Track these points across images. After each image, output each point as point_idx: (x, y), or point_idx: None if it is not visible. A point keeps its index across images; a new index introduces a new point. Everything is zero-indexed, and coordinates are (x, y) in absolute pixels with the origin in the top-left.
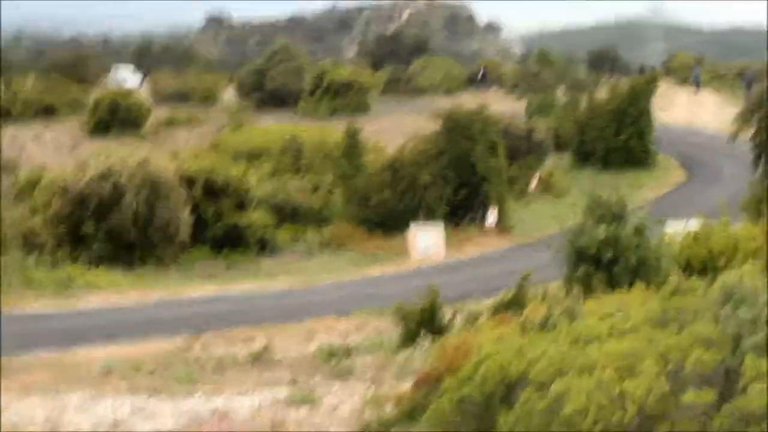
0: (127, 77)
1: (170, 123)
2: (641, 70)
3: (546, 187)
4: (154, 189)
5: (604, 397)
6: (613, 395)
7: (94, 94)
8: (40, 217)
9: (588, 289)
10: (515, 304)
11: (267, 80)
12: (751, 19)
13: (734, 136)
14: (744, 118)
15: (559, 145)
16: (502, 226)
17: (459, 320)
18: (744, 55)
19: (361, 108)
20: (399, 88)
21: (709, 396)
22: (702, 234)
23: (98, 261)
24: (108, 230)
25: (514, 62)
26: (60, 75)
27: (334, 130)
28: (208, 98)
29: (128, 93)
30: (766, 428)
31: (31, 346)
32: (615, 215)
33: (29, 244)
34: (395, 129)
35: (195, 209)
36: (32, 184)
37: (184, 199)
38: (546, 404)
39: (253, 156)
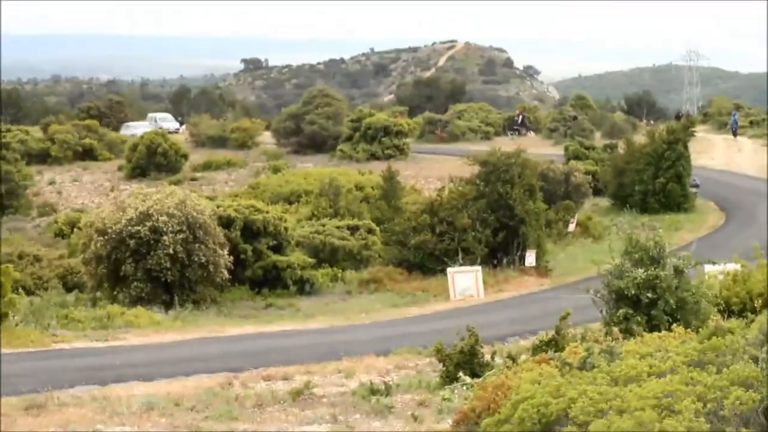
0: (164, 123)
1: (208, 167)
2: (677, 116)
3: (584, 230)
4: (192, 230)
5: None
6: None
7: (132, 138)
8: (79, 257)
9: (627, 331)
10: (554, 344)
11: (304, 124)
12: None
13: None
14: None
15: (597, 189)
16: (540, 268)
17: (498, 360)
18: None
19: (399, 152)
20: (436, 132)
21: None
22: (740, 276)
23: (137, 301)
24: (147, 270)
25: (552, 107)
26: (98, 118)
27: (371, 174)
28: (246, 142)
29: (166, 137)
30: None
31: (72, 382)
32: (653, 258)
33: (69, 283)
34: (433, 173)
35: (233, 250)
36: (71, 225)
37: (222, 240)
38: None
39: (292, 199)
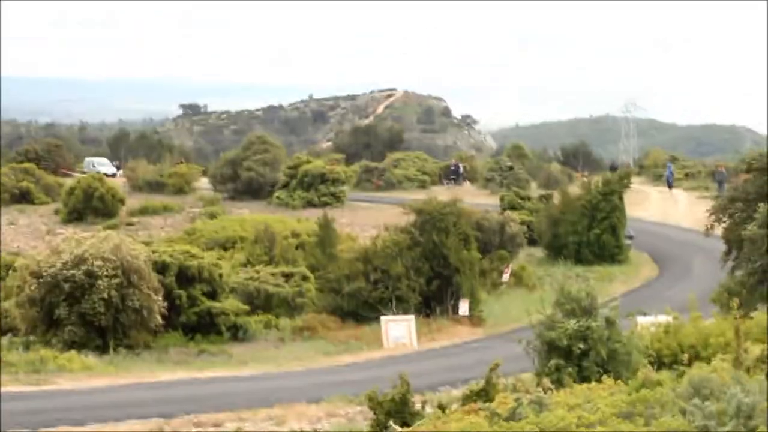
0: (101, 167)
1: (144, 211)
2: (613, 167)
3: (518, 280)
4: (126, 275)
5: None
6: None
7: (69, 182)
8: (13, 300)
9: (558, 382)
10: (484, 394)
11: (242, 170)
12: (724, 117)
13: (707, 233)
14: (716, 215)
15: (532, 239)
16: (473, 317)
17: (429, 409)
18: (717, 152)
19: (335, 200)
20: (373, 180)
21: None
22: (672, 328)
23: (71, 345)
24: (81, 314)
25: (489, 156)
26: (35, 162)
27: (307, 221)
28: (183, 188)
29: (103, 181)
30: None
31: (3, 426)
32: (585, 309)
33: (2, 326)
34: (368, 220)
35: (168, 295)
36: (6, 268)
37: (156, 285)
38: None
39: (227, 245)
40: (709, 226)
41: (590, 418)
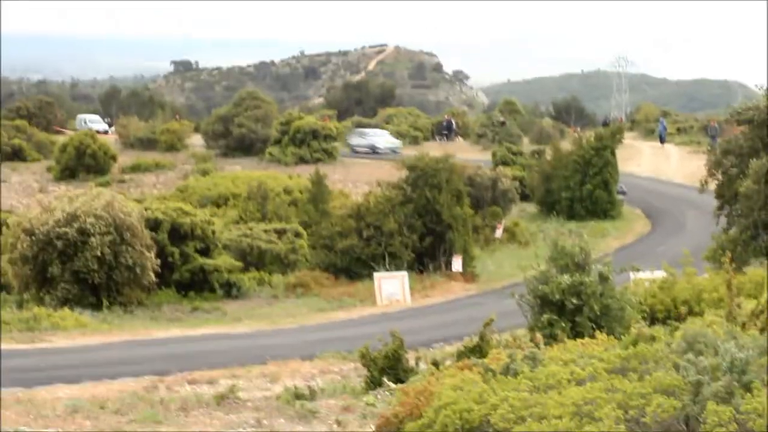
0: (93, 125)
1: (136, 169)
2: (605, 123)
3: (511, 235)
4: (119, 232)
5: None
6: None
7: (61, 139)
8: (5, 258)
9: (551, 337)
10: (478, 350)
11: (233, 127)
12: (716, 72)
13: (701, 188)
14: (709, 170)
15: (525, 195)
16: (467, 273)
17: (422, 366)
18: (708, 107)
19: (328, 156)
20: None
21: None
22: (666, 284)
23: (64, 302)
24: (74, 272)
25: (480, 112)
26: (27, 119)
27: (299, 177)
28: (175, 145)
29: (95, 138)
30: None
31: None
32: (578, 264)
33: None
34: (361, 177)
35: (161, 253)
36: None
37: (149, 243)
38: None
39: (220, 202)
40: (704, 182)
41: (582, 373)
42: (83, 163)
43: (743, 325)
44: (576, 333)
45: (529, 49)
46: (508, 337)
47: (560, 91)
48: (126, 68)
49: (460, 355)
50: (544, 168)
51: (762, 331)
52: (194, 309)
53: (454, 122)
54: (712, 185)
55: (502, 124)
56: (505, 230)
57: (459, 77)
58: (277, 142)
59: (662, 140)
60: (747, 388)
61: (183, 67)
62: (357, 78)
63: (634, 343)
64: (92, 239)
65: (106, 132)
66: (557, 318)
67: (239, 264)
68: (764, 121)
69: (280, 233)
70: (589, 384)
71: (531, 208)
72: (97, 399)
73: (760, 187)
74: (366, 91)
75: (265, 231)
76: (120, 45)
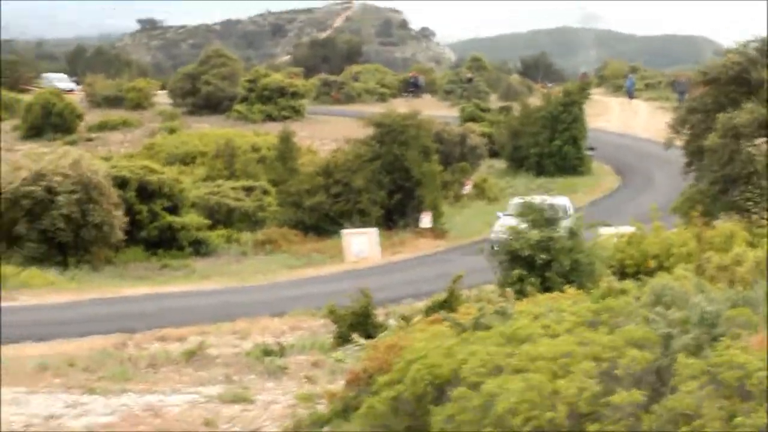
0: (59, 83)
1: (103, 127)
2: (583, 77)
3: (480, 192)
4: (86, 190)
5: (536, 397)
6: (544, 395)
7: (27, 98)
8: None
9: (521, 292)
10: (447, 305)
11: (200, 84)
12: (683, 27)
13: (668, 144)
14: (674, 128)
15: (493, 151)
16: (436, 230)
17: (392, 322)
18: (676, 63)
19: (295, 113)
20: (332, 94)
21: (638, 396)
22: (635, 238)
23: (31, 261)
24: (41, 231)
25: (447, 69)
26: None
27: (267, 135)
28: (141, 103)
29: (61, 97)
30: (695, 427)
31: None
32: (547, 219)
33: None
34: (328, 134)
35: (129, 211)
36: None
37: (117, 201)
38: (479, 402)
39: (187, 160)
40: (669, 140)
41: (555, 327)
42: (50, 122)
43: (712, 279)
44: (546, 288)
45: (496, 4)
46: (477, 293)
47: (528, 48)
48: (91, 27)
49: (429, 311)
50: (513, 124)
51: (731, 284)
52: (163, 267)
53: (421, 79)
54: (679, 142)
55: (470, 80)
56: (474, 186)
57: (425, 34)
58: (244, 99)
59: (631, 96)
60: (716, 340)
61: (149, 26)
62: (323, 35)
63: (604, 297)
64: (59, 198)
65: (72, 91)
66: (527, 273)
67: (207, 222)
68: (730, 79)
69: (248, 191)
70: (561, 336)
71: (499, 164)
72: (66, 356)
73: (727, 140)
74: (333, 48)
75: (233, 189)
76: (85, 4)
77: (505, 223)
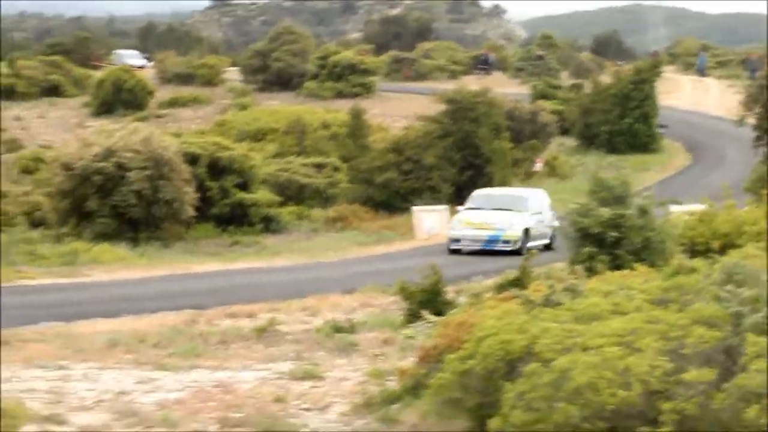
0: (130, 59)
1: (174, 103)
2: (654, 55)
3: (551, 169)
4: (157, 166)
5: (611, 373)
6: (618, 371)
7: (98, 74)
8: (44, 192)
9: (591, 270)
10: (518, 283)
11: (271, 62)
12: (756, 5)
13: (740, 122)
14: (746, 105)
15: (564, 129)
16: None
17: (462, 299)
18: (748, 41)
19: (366, 90)
20: (403, 71)
21: (710, 374)
22: (706, 216)
23: (102, 237)
24: (112, 207)
25: (518, 46)
26: (64, 55)
27: (338, 112)
28: (212, 80)
29: (132, 73)
30: (765, 406)
31: (36, 318)
32: (618, 197)
33: (35, 219)
34: (399, 111)
35: (199, 187)
36: (36, 161)
37: (187, 177)
38: (551, 378)
39: (258, 136)
40: (741, 117)
41: (625, 304)
42: (120, 99)
43: None
44: (616, 266)
45: None
46: (546, 270)
47: (598, 26)
48: (162, 3)
49: (500, 288)
50: (584, 102)
51: None
52: (233, 243)
53: (492, 56)
54: (750, 119)
55: (540, 58)
56: (545, 164)
57: (497, 11)
58: (315, 76)
59: (702, 74)
60: None
61: (220, 2)
62: (394, 12)
63: (675, 275)
64: (130, 174)
65: (142, 67)
66: (597, 251)
67: (278, 198)
68: None
69: (319, 167)
70: (630, 314)
71: (570, 142)
72: (136, 333)
73: None
74: (403, 25)
75: (304, 165)
76: None
77: (463, 218)
